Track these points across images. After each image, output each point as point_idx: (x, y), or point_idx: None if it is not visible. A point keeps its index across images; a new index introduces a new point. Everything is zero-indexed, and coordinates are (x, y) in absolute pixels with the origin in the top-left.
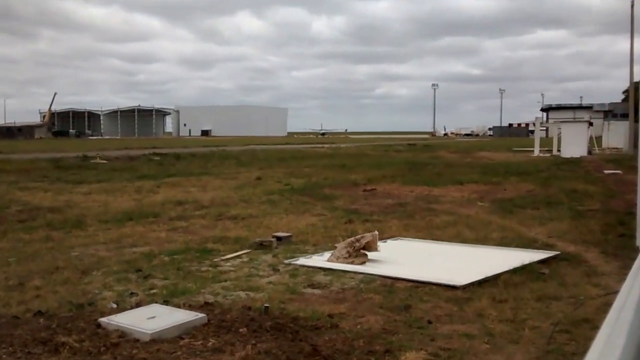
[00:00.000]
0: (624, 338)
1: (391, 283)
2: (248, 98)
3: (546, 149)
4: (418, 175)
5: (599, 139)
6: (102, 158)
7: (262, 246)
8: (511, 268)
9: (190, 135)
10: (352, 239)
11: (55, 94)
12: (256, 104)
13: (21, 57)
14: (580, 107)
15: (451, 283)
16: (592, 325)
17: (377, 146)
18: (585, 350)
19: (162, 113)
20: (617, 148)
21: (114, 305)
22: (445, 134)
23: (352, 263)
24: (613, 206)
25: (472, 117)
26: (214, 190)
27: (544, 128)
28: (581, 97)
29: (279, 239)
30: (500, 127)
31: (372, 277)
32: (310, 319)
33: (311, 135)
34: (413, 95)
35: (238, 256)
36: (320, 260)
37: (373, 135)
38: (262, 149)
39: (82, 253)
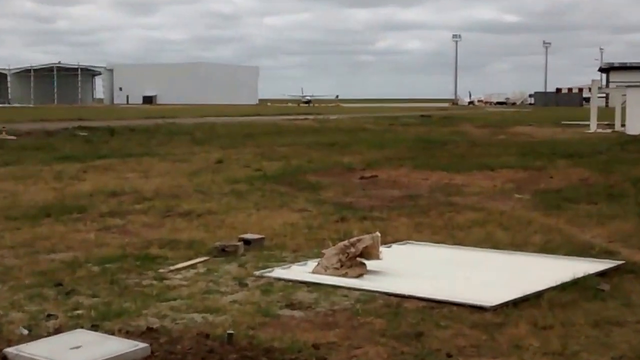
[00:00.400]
0: None
1: (397, 303)
2: (205, 53)
3: (606, 122)
4: (434, 158)
5: None
6: (8, 133)
7: (225, 252)
8: (559, 283)
9: (127, 103)
10: (346, 242)
11: None
12: (216, 61)
13: None
14: None
15: (478, 303)
16: None
17: (378, 118)
18: None
19: (90, 73)
20: None
21: (25, 332)
22: (471, 102)
23: (345, 275)
24: None
25: (506, 79)
26: (160, 176)
27: (603, 95)
28: None
29: (247, 242)
30: (545, 94)
31: (372, 295)
32: (289, 350)
33: (291, 104)
34: (427, 50)
35: (192, 266)
36: (302, 271)
37: (374, 103)
38: (225, 122)
39: None
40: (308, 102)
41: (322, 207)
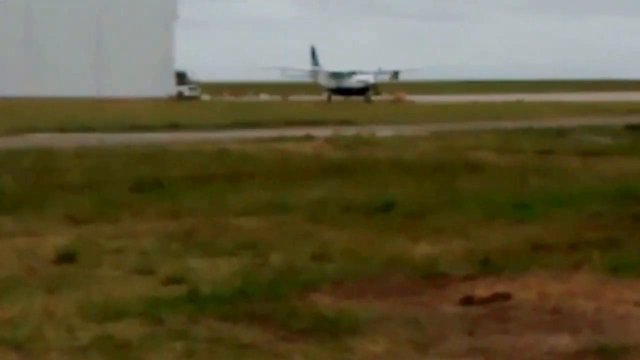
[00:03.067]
0: None
1: None
2: None
3: None
4: None
5: None
6: None
7: None
8: None
9: None
10: None
11: None
12: None
13: None
14: None
15: None
16: None
17: (507, 134)
18: None
19: None
20: None
21: None
22: None
23: None
24: None
25: None
26: None
27: None
28: None
29: None
30: None
31: None
32: None
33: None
34: None
35: None
36: None
37: (493, 92)
38: (83, 146)
39: None
40: (341, 90)
41: None
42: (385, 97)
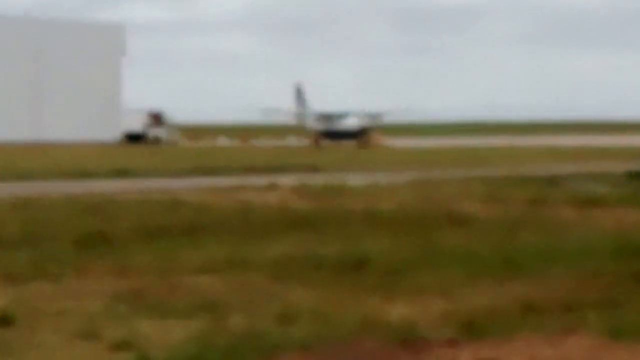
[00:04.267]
0: None
1: None
2: None
3: None
4: None
5: None
6: None
7: None
8: None
9: None
10: None
11: None
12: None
13: None
14: None
15: None
16: None
17: (496, 183)
18: None
19: None
20: None
21: None
22: None
23: None
24: None
25: None
26: None
27: None
28: None
29: None
30: None
31: None
32: None
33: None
34: None
35: None
36: None
37: (480, 134)
38: (13, 196)
39: None
40: (330, 134)
41: None
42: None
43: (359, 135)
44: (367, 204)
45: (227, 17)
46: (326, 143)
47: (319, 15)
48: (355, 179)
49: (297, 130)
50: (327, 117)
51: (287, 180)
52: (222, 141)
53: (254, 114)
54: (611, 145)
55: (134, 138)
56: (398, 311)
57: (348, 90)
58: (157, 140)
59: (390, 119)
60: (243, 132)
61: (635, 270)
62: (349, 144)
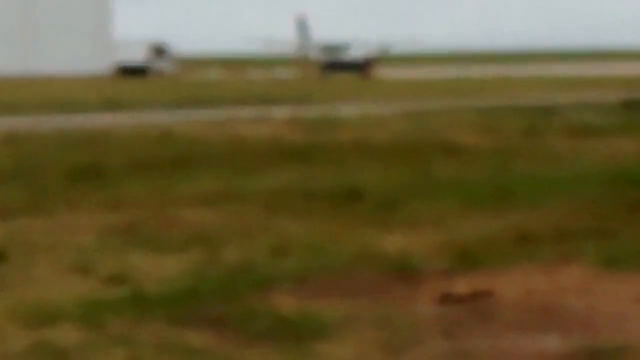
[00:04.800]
0: None
1: None
2: None
3: None
4: None
5: None
6: None
7: None
8: None
9: None
10: None
11: None
12: None
13: None
14: None
15: None
16: None
17: (492, 112)
18: None
19: None
20: None
21: None
22: None
23: None
24: None
25: None
26: None
27: None
28: None
29: None
30: None
31: None
32: None
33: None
34: None
35: None
36: None
37: (479, 63)
38: (5, 131)
39: None
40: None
41: None
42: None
43: (363, 66)
44: (361, 135)
45: None
46: (330, 74)
47: None
48: (348, 111)
49: (289, 61)
50: (330, 49)
51: (280, 112)
52: (214, 73)
53: (256, 45)
54: (607, 74)
55: (135, 71)
56: (392, 242)
57: (337, 20)
58: (160, 74)
59: (395, 49)
60: (239, 63)
61: (630, 199)
62: (353, 75)
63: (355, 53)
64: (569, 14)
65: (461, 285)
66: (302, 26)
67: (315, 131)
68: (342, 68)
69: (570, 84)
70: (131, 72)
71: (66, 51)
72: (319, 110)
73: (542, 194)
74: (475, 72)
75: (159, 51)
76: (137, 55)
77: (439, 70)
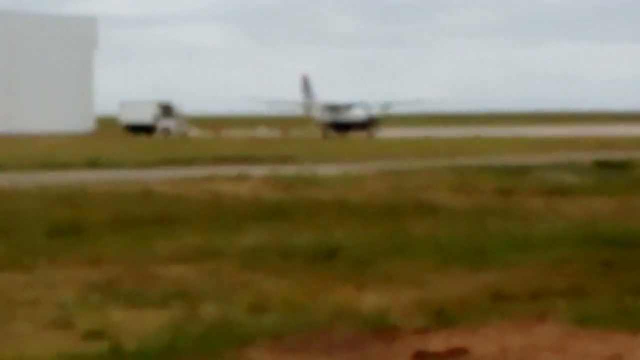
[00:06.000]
0: None
1: None
2: None
3: None
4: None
5: None
6: None
7: None
8: None
9: None
10: None
11: None
12: None
13: None
14: None
15: None
16: None
17: (466, 171)
18: None
19: None
20: None
21: None
22: None
23: None
24: None
25: None
26: None
27: None
28: None
29: None
30: None
31: None
32: None
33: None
34: None
35: None
36: None
37: (454, 126)
38: None
39: None
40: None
41: None
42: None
43: (366, 125)
44: (338, 194)
45: (197, 8)
46: (333, 133)
47: (284, 5)
48: (326, 170)
49: (270, 121)
50: (334, 108)
51: (257, 171)
52: (195, 131)
53: (261, 106)
54: (579, 136)
55: (141, 129)
56: (369, 300)
57: (317, 82)
58: (166, 132)
59: (398, 109)
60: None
61: (602, 258)
62: (356, 135)
63: (358, 113)
64: (543, 78)
65: (437, 343)
66: (306, 86)
67: (292, 189)
68: (345, 128)
69: (545, 145)
70: (137, 130)
71: (50, 111)
72: (296, 169)
73: (517, 252)
74: (450, 133)
75: (166, 110)
76: (143, 114)
77: (412, 131)
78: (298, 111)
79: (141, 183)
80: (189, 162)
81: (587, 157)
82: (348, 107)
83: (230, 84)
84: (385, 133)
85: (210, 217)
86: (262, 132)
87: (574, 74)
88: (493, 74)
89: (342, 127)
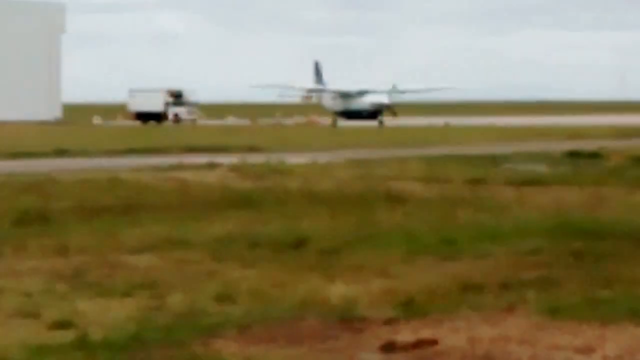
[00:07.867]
0: None
1: None
2: None
3: None
4: (609, 283)
5: None
6: None
7: None
8: None
9: None
10: None
11: None
12: None
13: None
14: None
15: None
16: None
17: (434, 160)
18: None
19: None
20: None
21: None
22: None
23: None
24: None
25: None
26: None
27: None
28: None
29: None
30: None
31: None
32: None
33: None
34: None
35: None
36: None
37: (424, 115)
38: None
39: None
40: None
41: None
42: (297, 120)
43: (377, 114)
44: (306, 183)
45: None
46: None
47: None
48: (294, 159)
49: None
50: (344, 96)
51: (225, 160)
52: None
53: (271, 93)
54: (550, 125)
55: (151, 117)
56: (337, 290)
57: (285, 70)
58: (177, 119)
59: (410, 97)
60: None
61: (572, 249)
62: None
63: (368, 101)
64: (515, 67)
65: (405, 334)
66: (318, 73)
67: (260, 178)
68: (355, 116)
69: (515, 134)
70: (147, 118)
71: (13, 98)
72: (265, 158)
73: (487, 243)
74: (419, 122)
75: (177, 98)
76: (154, 102)
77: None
78: (306, 99)
79: (108, 171)
80: (157, 151)
81: (557, 147)
82: (359, 94)
83: (200, 71)
84: (348, 123)
85: (177, 206)
86: (231, 120)
87: (542, 62)
88: (461, 63)
89: (353, 115)
